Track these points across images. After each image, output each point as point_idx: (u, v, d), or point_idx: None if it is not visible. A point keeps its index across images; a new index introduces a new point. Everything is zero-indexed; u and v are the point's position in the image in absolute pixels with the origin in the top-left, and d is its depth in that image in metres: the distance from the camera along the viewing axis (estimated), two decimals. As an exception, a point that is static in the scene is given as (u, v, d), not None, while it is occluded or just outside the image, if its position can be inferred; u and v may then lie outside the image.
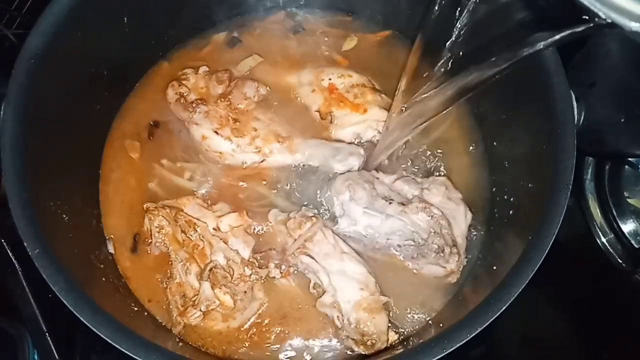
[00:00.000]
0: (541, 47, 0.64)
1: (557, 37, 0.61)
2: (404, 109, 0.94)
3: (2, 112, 0.84)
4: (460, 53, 0.83)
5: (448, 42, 0.83)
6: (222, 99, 1.10)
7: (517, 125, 1.00)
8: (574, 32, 0.56)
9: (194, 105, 1.09)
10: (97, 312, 0.77)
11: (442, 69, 0.86)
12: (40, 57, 0.87)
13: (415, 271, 1.01)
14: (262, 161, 1.08)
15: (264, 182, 1.08)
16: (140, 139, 1.13)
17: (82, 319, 0.76)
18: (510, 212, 0.99)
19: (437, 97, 0.87)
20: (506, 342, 1.18)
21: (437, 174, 1.09)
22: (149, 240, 1.02)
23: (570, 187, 0.82)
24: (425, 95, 0.90)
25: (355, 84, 1.12)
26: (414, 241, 0.98)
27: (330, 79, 1.13)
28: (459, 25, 0.80)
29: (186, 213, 1.01)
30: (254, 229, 1.04)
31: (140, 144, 1.12)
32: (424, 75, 0.89)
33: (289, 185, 1.08)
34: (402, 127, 0.96)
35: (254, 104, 1.12)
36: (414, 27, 1.15)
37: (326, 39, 1.23)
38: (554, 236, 0.80)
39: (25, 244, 0.78)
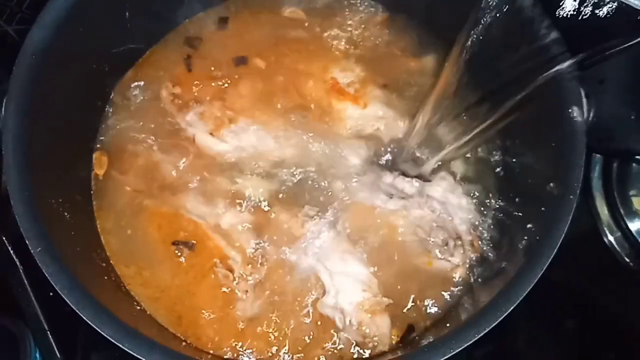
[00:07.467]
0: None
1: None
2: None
3: (3, 109, 0.83)
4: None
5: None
6: (217, 99, 1.09)
7: (525, 124, 0.99)
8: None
9: (188, 105, 1.08)
10: (99, 311, 0.76)
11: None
12: (42, 53, 0.86)
13: (420, 268, 0.99)
14: (261, 160, 1.06)
15: (265, 181, 1.06)
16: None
17: (84, 317, 0.74)
18: (518, 210, 0.97)
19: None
20: (512, 341, 1.18)
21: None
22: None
23: (580, 185, 0.81)
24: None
25: (357, 78, 1.11)
26: (417, 236, 0.98)
27: (332, 73, 1.12)
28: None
29: (186, 211, 1.01)
30: (255, 227, 1.02)
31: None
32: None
33: (290, 183, 1.06)
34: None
35: (249, 102, 1.10)
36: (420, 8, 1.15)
37: (318, 28, 1.19)
38: (563, 235, 0.79)
39: (27, 242, 0.77)
